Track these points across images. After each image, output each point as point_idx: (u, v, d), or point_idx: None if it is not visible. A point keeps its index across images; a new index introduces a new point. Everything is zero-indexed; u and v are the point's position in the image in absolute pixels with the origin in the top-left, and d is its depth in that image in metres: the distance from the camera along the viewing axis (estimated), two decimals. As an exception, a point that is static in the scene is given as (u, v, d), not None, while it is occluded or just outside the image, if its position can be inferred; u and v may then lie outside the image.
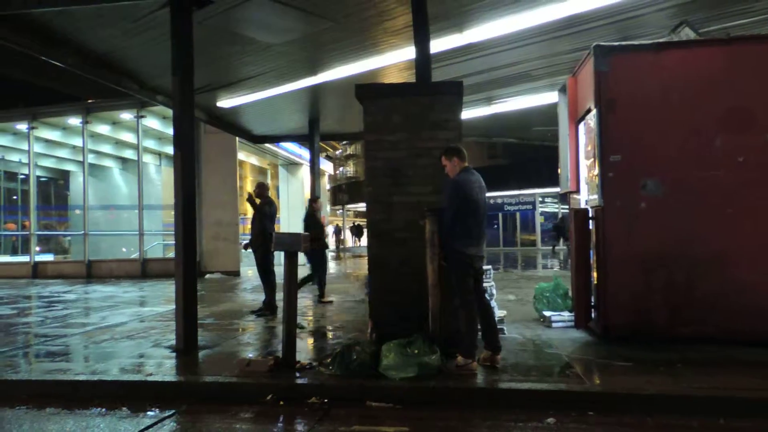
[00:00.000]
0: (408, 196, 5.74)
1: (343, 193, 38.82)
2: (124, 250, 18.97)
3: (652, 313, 5.62)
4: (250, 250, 8.45)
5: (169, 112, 13.05)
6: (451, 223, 4.86)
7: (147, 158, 18.99)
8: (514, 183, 27.71)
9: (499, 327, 5.62)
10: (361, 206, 40.41)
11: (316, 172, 12.81)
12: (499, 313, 6.32)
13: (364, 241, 36.65)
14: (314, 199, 9.68)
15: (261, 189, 8.46)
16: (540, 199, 29.27)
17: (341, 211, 42.98)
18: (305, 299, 9.83)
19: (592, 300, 6.02)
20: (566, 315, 6.75)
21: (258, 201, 8.33)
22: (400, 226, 5.73)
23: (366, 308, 6.95)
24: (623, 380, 4.50)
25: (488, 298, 5.70)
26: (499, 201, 29.63)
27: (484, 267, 5.74)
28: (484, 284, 5.51)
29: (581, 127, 6.70)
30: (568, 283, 7.33)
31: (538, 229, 29.33)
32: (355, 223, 36.92)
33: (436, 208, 5.15)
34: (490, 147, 31.89)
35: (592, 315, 6.04)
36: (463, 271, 4.88)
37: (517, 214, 30.09)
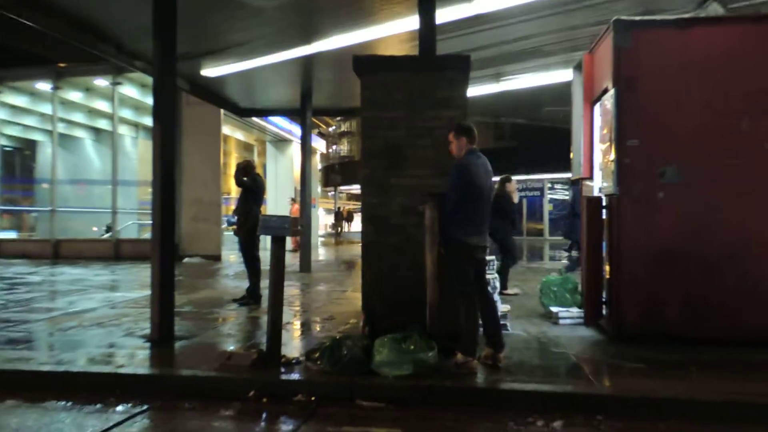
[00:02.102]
0: (407, 178, 5.73)
1: (335, 173, 38.76)
2: (95, 229, 18.91)
3: (667, 311, 5.64)
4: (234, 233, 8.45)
5: (148, 79, 12.90)
6: (452, 210, 4.84)
7: (123, 129, 18.85)
8: (521, 167, 27.64)
9: (502, 323, 5.63)
10: (356, 188, 40.39)
11: (307, 150, 12.77)
12: (502, 307, 6.33)
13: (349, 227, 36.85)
14: (508, 179, 9.20)
15: (247, 167, 8.43)
16: (549, 185, 29.29)
17: (333, 192, 42.93)
18: (292, 287, 9.84)
19: (603, 295, 6.04)
20: (575, 311, 6.77)
21: (251, 175, 8.32)
22: (397, 211, 5.74)
23: (358, 298, 6.95)
24: (635, 383, 4.52)
25: (491, 291, 5.71)
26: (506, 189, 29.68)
27: (487, 258, 5.75)
28: (487, 276, 5.52)
29: (597, 108, 6.67)
30: (579, 277, 7.34)
31: (546, 217, 29.38)
32: (339, 208, 36.84)
33: (437, 193, 5.14)
34: (497, 128, 31.79)
35: (603, 312, 6.06)
36: (463, 261, 4.88)
37: (524, 201, 30.12)
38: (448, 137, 5.12)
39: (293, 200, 19.37)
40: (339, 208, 36.83)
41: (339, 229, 34.87)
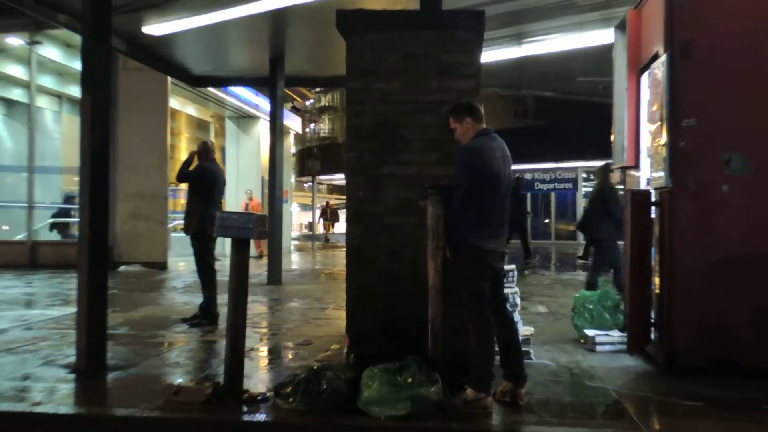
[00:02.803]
0: (404, 166, 5.75)
1: (313, 159, 38.71)
2: (5, 228, 18.79)
3: (734, 335, 5.66)
4: (185, 235, 8.43)
5: (76, 38, 12.82)
6: (461, 206, 4.85)
7: (42, 101, 18.75)
8: (548, 152, 27.78)
9: (524, 349, 5.63)
10: (339, 178, 40.42)
11: (277, 130, 12.76)
12: (524, 330, 6.34)
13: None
14: (609, 168, 8.72)
15: (205, 150, 8.42)
16: (584, 175, 29.42)
17: (310, 183, 42.92)
18: (258, 303, 9.83)
19: (652, 316, 6.05)
20: (615, 335, 6.79)
21: (197, 164, 8.33)
22: (391, 207, 5.75)
23: (341, 318, 6.93)
24: (690, 426, 4.53)
25: (510, 309, 5.71)
26: (528, 176, 29.72)
27: (506, 267, 5.74)
28: (505, 291, 5.51)
29: (645, 78, 6.68)
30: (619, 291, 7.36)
31: (580, 215, 29.59)
32: (328, 203, 36.57)
33: (442, 185, 5.13)
34: (518, 102, 31.90)
35: (651, 336, 6.07)
36: (476, 271, 4.88)
37: (552, 196, 30.24)
38: (449, 124, 5.15)
39: (250, 194, 19.26)
40: (327, 203, 36.51)
41: (329, 229, 34.45)
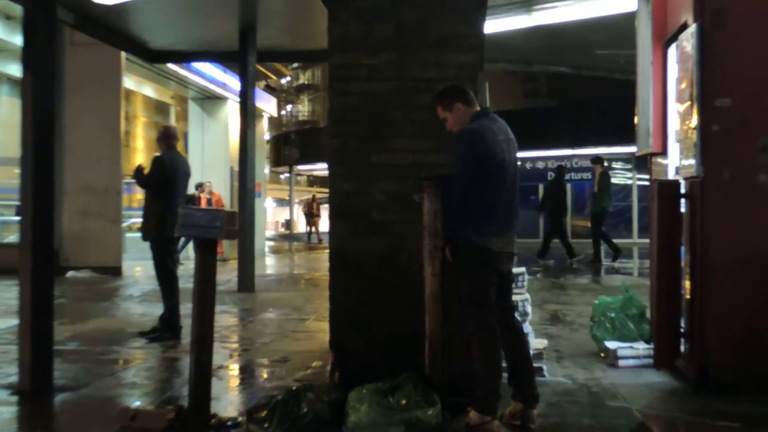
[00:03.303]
0: (396, 154, 5.76)
1: (291, 146, 38.73)
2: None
3: (774, 348, 5.69)
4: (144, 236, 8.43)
5: (15, 8, 12.77)
6: (462, 199, 4.86)
7: (-25, 82, 18.65)
8: (564, 137, 27.81)
9: (536, 365, 5.65)
10: (321, 168, 40.39)
11: (249, 112, 12.73)
12: (536, 343, 6.36)
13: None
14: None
15: (166, 137, 8.41)
16: (606, 163, 29.45)
17: (287, 175, 42.90)
18: (228, 315, 9.83)
19: (682, 324, 6.08)
20: (641, 347, 6.82)
21: (157, 156, 8.32)
22: (381, 202, 5.76)
23: (324, 331, 6.92)
24: (726, 451, 4.56)
25: (519, 319, 5.73)
26: (540, 166, 29.73)
27: (515, 270, 5.75)
28: (514, 297, 5.53)
29: (672, 51, 6.71)
30: (646, 298, 7.38)
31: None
32: (314, 197, 36.12)
33: (440, 175, 5.15)
34: (529, 80, 31.97)
35: (681, 348, 6.10)
36: (480, 275, 4.90)
37: (568, 188, 30.24)
38: (436, 113, 5.17)
39: (200, 189, 18.92)
40: (313, 196, 35.98)
41: (312, 228, 33.53)
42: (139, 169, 8.36)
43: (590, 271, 16.22)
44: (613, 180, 29.56)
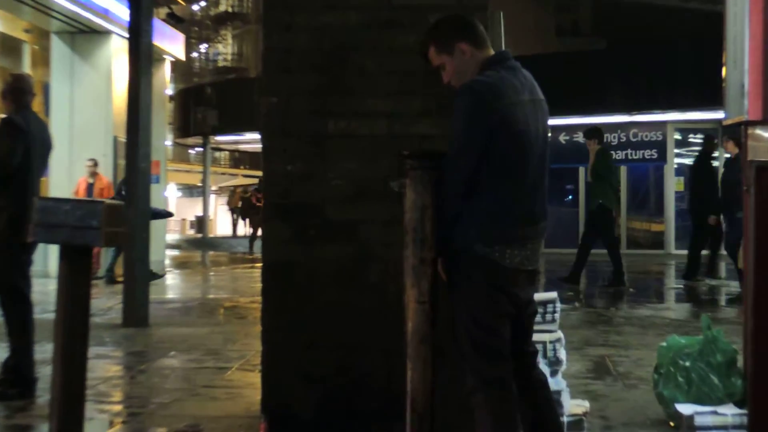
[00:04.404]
0: (364, 120, 5.83)
1: (207, 106, 38.64)
2: None
3: None
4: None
5: None
6: (463, 189, 4.84)
7: None
8: (615, 97, 27.95)
9: (573, 439, 5.67)
10: (251, 141, 40.34)
11: (142, 53, 12.69)
12: (572, 406, 6.38)
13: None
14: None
15: (17, 91, 8.36)
16: (677, 136, 29.62)
17: (200, 149, 42.81)
18: (108, 361, 9.79)
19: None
20: (729, 413, 6.83)
21: (4, 119, 8.29)
22: (341, 192, 5.83)
23: (254, 385, 6.87)
24: None
25: (546, 369, 5.73)
26: (580, 139, 29.89)
27: (540, 297, 5.74)
28: (540, 337, 5.52)
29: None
30: (738, 338, 7.41)
31: (671, 205, 29.65)
32: (257, 188, 35.50)
33: (431, 154, 5.11)
34: (564, 9, 32.16)
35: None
36: (487, 304, 4.88)
37: (623, 172, 30.36)
38: (428, 58, 5.13)
39: (93, 167, 18.94)
40: (257, 184, 35.32)
41: (259, 230, 32.69)
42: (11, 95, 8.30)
43: (655, 298, 16.31)
44: (686, 160, 29.74)
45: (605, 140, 18.04)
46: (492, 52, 5.06)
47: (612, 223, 17.38)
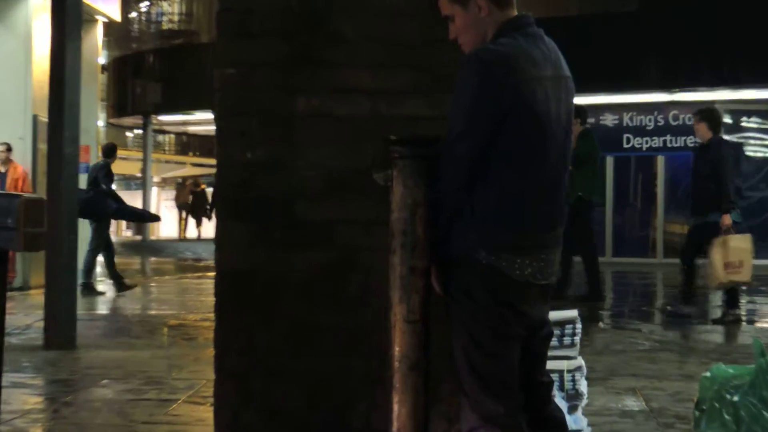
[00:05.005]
0: (342, 97, 5.83)
1: (148, 78, 38.60)
2: None
3: None
4: None
5: None
6: (460, 181, 4.87)
7: None
8: (650, 71, 27.98)
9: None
10: (202, 122, 40.33)
11: (68, 14, 12.67)
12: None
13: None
14: None
15: None
16: (727, 119, 29.65)
17: (141, 131, 42.76)
18: (25, 391, 9.78)
19: None
20: (786, 461, 6.88)
21: None
22: (314, 186, 5.84)
23: (206, 423, 6.90)
24: None
25: (563, 404, 5.76)
26: (611, 123, 29.96)
27: (557, 316, 5.77)
28: (556, 365, 5.55)
29: None
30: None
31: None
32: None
33: (424, 140, 5.14)
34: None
35: None
36: (491, 325, 4.90)
37: (659, 162, 30.43)
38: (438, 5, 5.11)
39: (5, 152, 19.00)
40: (196, 182, 35.63)
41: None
42: None
43: (694, 315, 16.35)
44: (748, 150, 29.81)
45: (587, 120, 18.12)
46: (515, 13, 4.99)
47: (589, 221, 17.40)
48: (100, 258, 19.97)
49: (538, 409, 5.02)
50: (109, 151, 20.86)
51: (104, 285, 20.76)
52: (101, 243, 19.83)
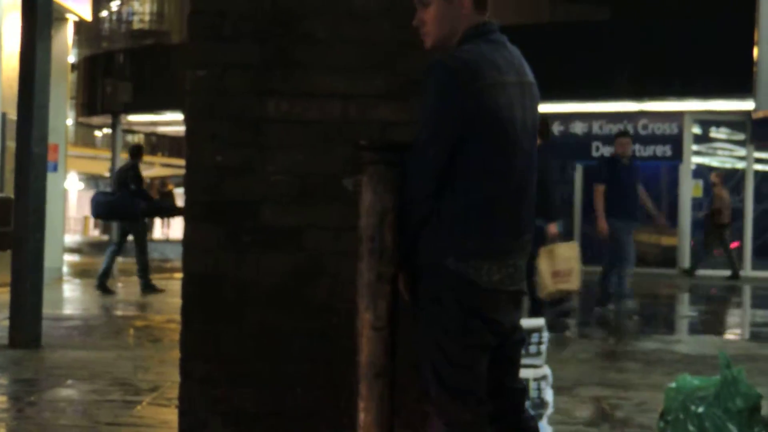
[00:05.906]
0: (313, 101, 5.83)
1: (118, 78, 38.53)
2: None
3: None
4: None
5: None
6: (428, 187, 4.85)
7: None
8: (622, 80, 28.04)
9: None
10: (172, 122, 40.24)
11: (39, 12, 12.64)
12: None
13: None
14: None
15: None
16: (696, 129, 29.74)
17: (110, 130, 42.66)
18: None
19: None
20: (749, 474, 6.89)
21: None
22: (283, 190, 5.84)
23: (171, 424, 6.88)
24: None
25: (530, 413, 5.75)
26: (581, 131, 30.02)
27: (526, 323, 5.76)
28: (524, 373, 5.54)
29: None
30: (764, 377, 7.46)
31: (687, 214, 29.73)
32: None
33: (394, 145, 5.13)
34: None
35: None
36: (459, 333, 4.88)
37: (643, 173, 30.49)
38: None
39: None
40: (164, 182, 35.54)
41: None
42: None
43: (664, 328, 16.40)
44: (707, 159, 29.86)
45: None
46: (485, 19, 4.95)
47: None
48: (100, 258, 20.25)
49: (511, 416, 5.01)
50: (136, 152, 22.15)
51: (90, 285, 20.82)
52: (145, 242, 20.69)
